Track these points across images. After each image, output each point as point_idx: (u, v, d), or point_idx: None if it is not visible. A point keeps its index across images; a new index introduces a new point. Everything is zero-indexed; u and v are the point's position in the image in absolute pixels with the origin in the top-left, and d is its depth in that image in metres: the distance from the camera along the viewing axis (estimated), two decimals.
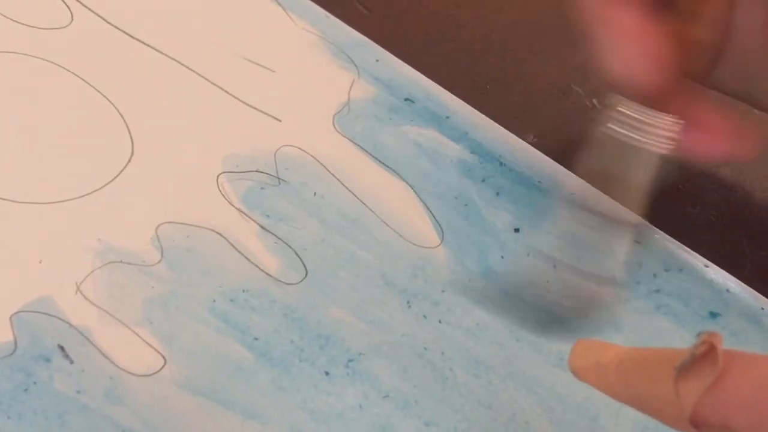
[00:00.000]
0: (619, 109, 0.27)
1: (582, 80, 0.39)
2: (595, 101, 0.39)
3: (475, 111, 0.36)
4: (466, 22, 0.41)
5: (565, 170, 0.35)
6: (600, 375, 0.22)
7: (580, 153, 0.28)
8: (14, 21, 0.34)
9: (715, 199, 0.37)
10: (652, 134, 0.27)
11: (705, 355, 0.20)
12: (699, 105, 0.28)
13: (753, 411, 0.19)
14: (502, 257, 0.33)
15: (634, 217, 0.28)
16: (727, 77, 0.31)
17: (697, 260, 0.34)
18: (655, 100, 0.27)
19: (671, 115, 0.27)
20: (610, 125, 0.27)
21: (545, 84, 0.39)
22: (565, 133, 0.38)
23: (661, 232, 0.34)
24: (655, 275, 0.33)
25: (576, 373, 0.23)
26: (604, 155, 0.28)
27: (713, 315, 0.33)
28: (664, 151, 0.28)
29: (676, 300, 0.33)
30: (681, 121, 0.27)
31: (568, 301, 0.27)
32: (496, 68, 0.40)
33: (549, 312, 0.28)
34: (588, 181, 0.29)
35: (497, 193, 0.34)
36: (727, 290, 0.33)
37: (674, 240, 0.34)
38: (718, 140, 0.28)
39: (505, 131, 0.36)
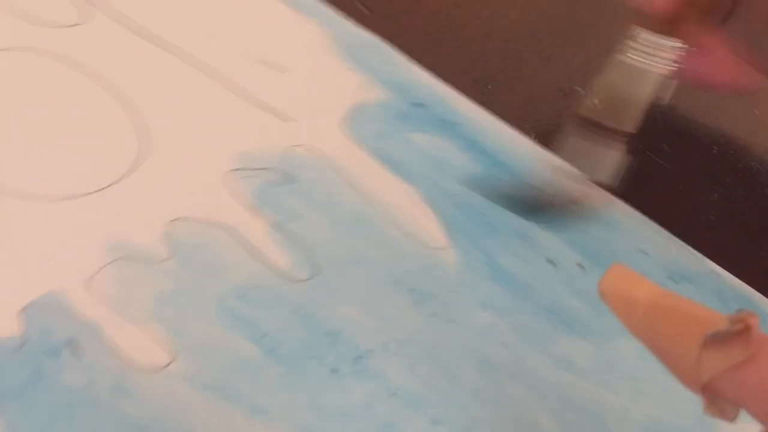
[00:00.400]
0: (637, 40, 0.31)
1: (583, 80, 0.39)
2: (596, 101, 0.39)
3: (485, 116, 0.36)
4: (466, 22, 0.41)
5: (568, 170, 0.36)
6: (628, 310, 0.22)
7: (597, 77, 0.32)
8: (26, 21, 0.34)
9: (715, 199, 0.37)
10: (660, 58, 0.31)
11: (739, 333, 0.19)
12: (710, 36, 0.31)
13: None
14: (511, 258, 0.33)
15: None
16: (733, 35, 0.32)
17: (698, 262, 0.34)
18: (667, 26, 0.31)
19: (680, 40, 0.31)
20: (627, 54, 0.31)
21: (546, 84, 0.40)
22: (566, 133, 0.38)
23: (661, 232, 0.35)
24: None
25: (604, 297, 0.22)
26: (617, 79, 0.32)
27: None
28: (667, 73, 0.31)
29: None
30: (688, 47, 0.31)
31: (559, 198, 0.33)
32: (496, 68, 0.40)
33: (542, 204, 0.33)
34: (601, 104, 0.33)
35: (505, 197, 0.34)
36: (727, 294, 0.33)
37: (675, 238, 0.34)
38: (722, 68, 0.31)
39: (515, 135, 0.36)
